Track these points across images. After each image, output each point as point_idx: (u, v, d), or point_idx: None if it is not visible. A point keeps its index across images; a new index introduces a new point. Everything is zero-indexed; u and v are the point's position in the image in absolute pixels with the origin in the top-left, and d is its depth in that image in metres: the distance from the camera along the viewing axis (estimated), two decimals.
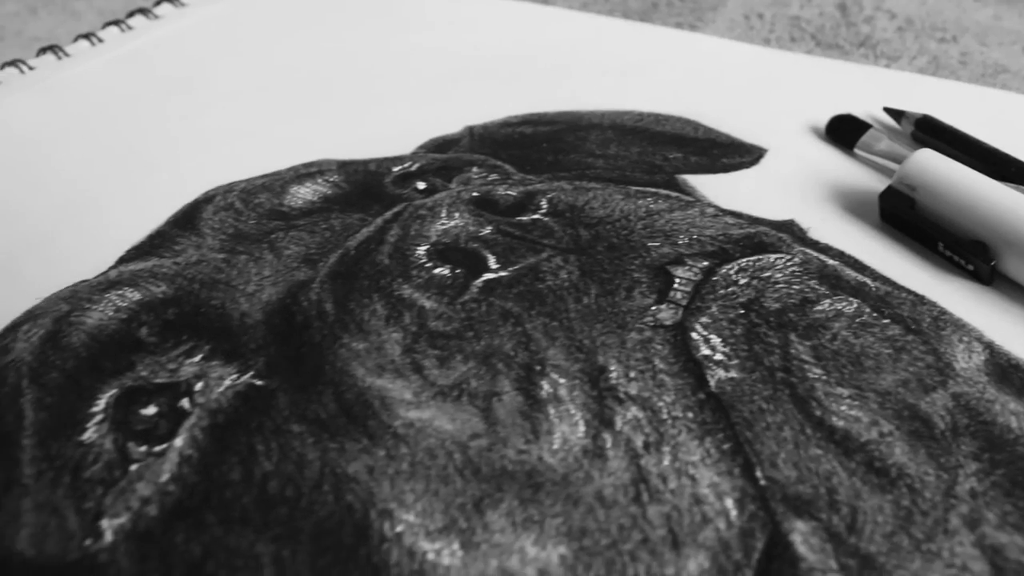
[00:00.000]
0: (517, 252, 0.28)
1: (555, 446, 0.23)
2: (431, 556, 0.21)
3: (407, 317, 0.26)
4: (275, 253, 0.30)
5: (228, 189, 0.34)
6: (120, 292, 0.29)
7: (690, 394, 0.24)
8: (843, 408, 0.24)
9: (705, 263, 0.28)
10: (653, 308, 0.26)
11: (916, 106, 0.37)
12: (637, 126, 0.38)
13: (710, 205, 0.32)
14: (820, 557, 0.21)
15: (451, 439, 0.23)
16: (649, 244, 0.29)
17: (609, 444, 0.23)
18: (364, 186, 0.34)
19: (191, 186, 0.35)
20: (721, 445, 0.23)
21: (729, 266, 0.28)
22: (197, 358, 0.26)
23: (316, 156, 0.36)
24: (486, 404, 0.24)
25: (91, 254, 0.31)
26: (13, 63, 0.44)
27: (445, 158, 0.35)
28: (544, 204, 0.31)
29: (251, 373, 0.26)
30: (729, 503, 0.22)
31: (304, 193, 0.33)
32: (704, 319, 0.26)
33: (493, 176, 0.34)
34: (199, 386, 0.25)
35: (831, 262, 0.29)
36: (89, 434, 0.24)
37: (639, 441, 0.23)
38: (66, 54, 0.45)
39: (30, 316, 0.28)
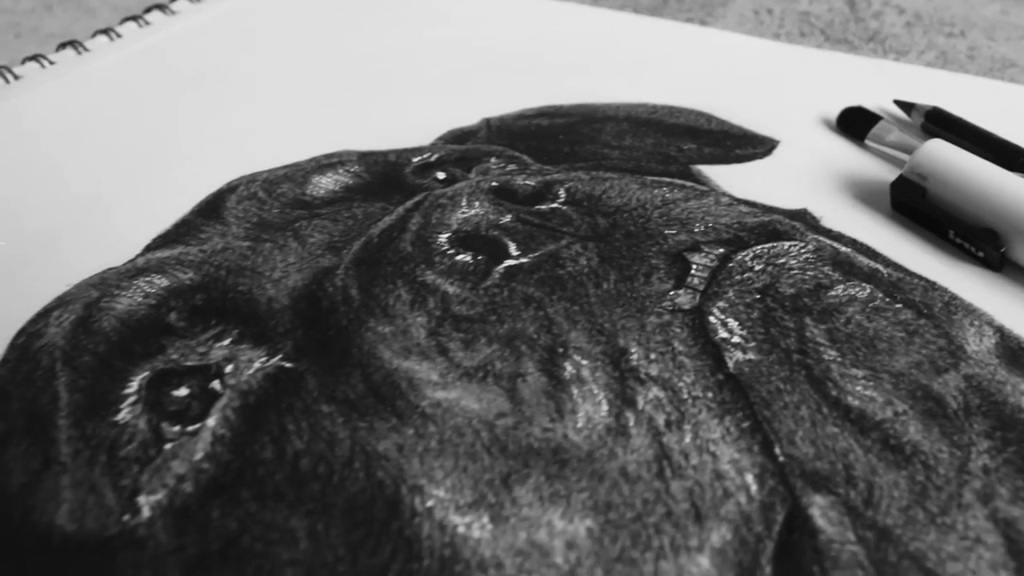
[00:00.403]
0: (537, 240, 0.29)
1: (579, 424, 0.23)
2: (462, 529, 0.21)
3: (431, 302, 0.27)
4: (299, 241, 0.31)
5: (251, 179, 0.35)
6: (148, 279, 0.29)
7: (709, 375, 0.25)
8: (858, 388, 0.24)
9: (721, 250, 0.29)
10: (671, 293, 0.27)
11: (925, 99, 0.38)
12: (651, 118, 0.38)
13: (724, 194, 0.33)
14: (838, 530, 0.21)
15: (478, 418, 0.24)
16: (666, 232, 0.29)
17: (632, 422, 0.23)
18: (385, 176, 0.34)
19: (213, 177, 0.35)
20: (740, 423, 0.23)
21: (744, 253, 0.28)
22: (226, 342, 0.27)
23: (335, 148, 0.37)
24: (511, 385, 0.24)
25: (118, 242, 0.32)
26: (34, 58, 0.44)
27: (464, 149, 0.36)
28: (562, 193, 0.31)
29: (280, 356, 0.26)
30: (749, 478, 0.22)
31: (326, 183, 0.34)
32: (721, 303, 0.27)
33: (511, 166, 0.35)
34: (229, 368, 0.26)
35: (844, 249, 0.30)
36: (123, 415, 0.25)
37: (661, 420, 0.23)
38: (86, 49, 0.46)
39: (61, 302, 0.29)
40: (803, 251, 0.29)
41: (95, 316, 0.28)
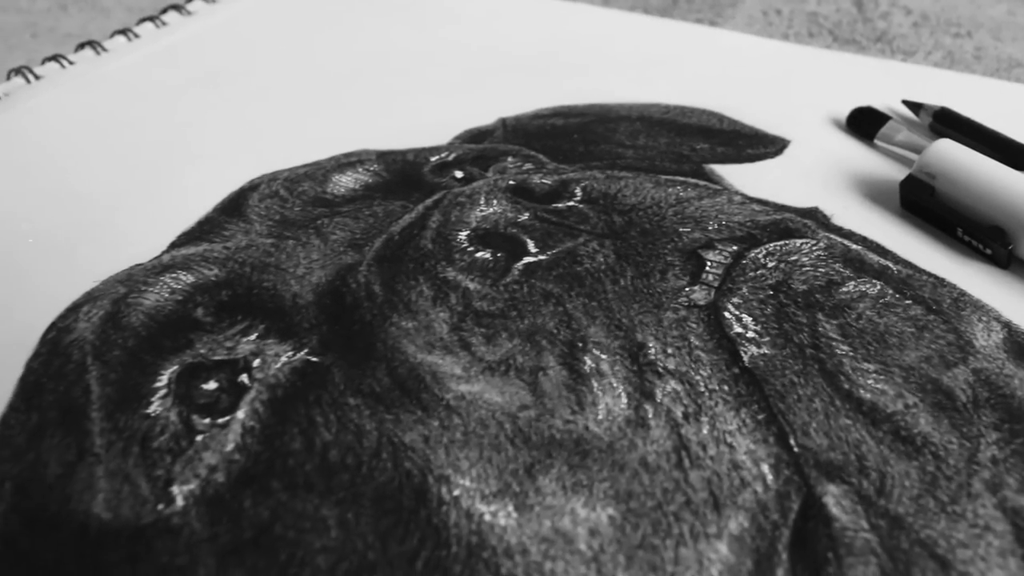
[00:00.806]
0: (555, 237, 0.30)
1: (600, 416, 0.24)
2: (488, 517, 0.22)
3: (453, 298, 0.28)
4: (321, 238, 0.31)
5: (272, 178, 0.35)
6: (174, 275, 0.30)
7: (725, 369, 0.25)
8: (870, 382, 0.25)
9: (735, 247, 0.29)
10: (687, 289, 0.28)
11: (933, 99, 0.38)
12: (664, 118, 0.39)
13: (737, 193, 0.33)
14: (852, 517, 0.22)
15: (501, 410, 0.24)
16: (680, 229, 0.30)
17: (651, 415, 0.24)
18: (403, 175, 0.35)
19: (233, 175, 0.36)
20: (756, 415, 0.24)
21: (758, 250, 0.29)
22: (253, 336, 0.27)
23: (353, 148, 0.37)
24: (533, 378, 0.25)
25: (142, 240, 0.33)
26: (54, 58, 0.45)
27: (481, 148, 0.37)
28: (578, 192, 0.32)
29: (306, 350, 0.27)
30: (765, 468, 0.23)
31: (346, 181, 0.35)
32: (736, 299, 0.27)
33: (528, 165, 0.35)
34: (256, 363, 0.27)
35: (854, 247, 0.30)
36: (154, 407, 0.26)
37: (679, 412, 0.24)
38: (104, 49, 0.46)
39: (89, 298, 0.30)
40: (815, 248, 0.29)
41: (123, 311, 0.29)
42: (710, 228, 0.30)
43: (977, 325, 0.27)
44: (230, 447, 0.24)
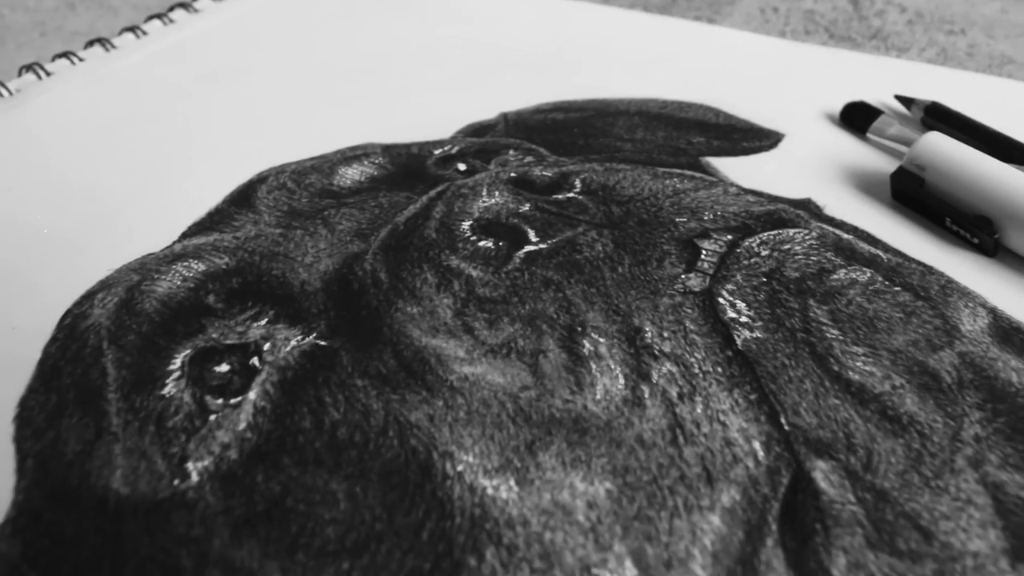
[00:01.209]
0: (555, 227, 0.31)
1: (598, 396, 0.25)
2: (490, 491, 0.23)
3: (456, 284, 0.29)
4: (329, 228, 0.32)
5: (280, 170, 0.36)
6: (186, 264, 0.31)
7: (719, 351, 0.26)
8: (858, 364, 0.26)
9: (729, 236, 0.30)
10: (683, 276, 0.29)
11: (925, 94, 0.39)
12: (662, 113, 0.40)
13: (732, 185, 0.34)
14: (839, 491, 0.23)
15: (503, 391, 0.25)
16: (677, 220, 0.31)
17: (647, 395, 0.25)
18: (408, 167, 0.36)
19: (242, 168, 0.37)
20: (748, 396, 0.25)
21: (752, 239, 0.30)
22: (263, 322, 0.28)
23: (358, 142, 0.38)
24: (533, 360, 0.26)
25: (154, 230, 0.34)
26: (64, 55, 0.46)
27: (483, 142, 0.38)
28: (578, 184, 0.33)
29: (314, 335, 0.28)
30: (757, 445, 0.24)
31: (352, 174, 0.36)
32: (730, 286, 0.28)
33: (529, 158, 0.36)
34: (267, 346, 0.28)
35: (846, 236, 0.31)
36: (169, 389, 0.27)
37: (674, 392, 0.25)
38: (113, 46, 0.47)
39: (104, 285, 0.31)
40: (807, 238, 0.30)
41: (137, 298, 0.30)
42: (706, 218, 0.31)
43: (964, 311, 0.28)
44: (242, 426, 0.25)
